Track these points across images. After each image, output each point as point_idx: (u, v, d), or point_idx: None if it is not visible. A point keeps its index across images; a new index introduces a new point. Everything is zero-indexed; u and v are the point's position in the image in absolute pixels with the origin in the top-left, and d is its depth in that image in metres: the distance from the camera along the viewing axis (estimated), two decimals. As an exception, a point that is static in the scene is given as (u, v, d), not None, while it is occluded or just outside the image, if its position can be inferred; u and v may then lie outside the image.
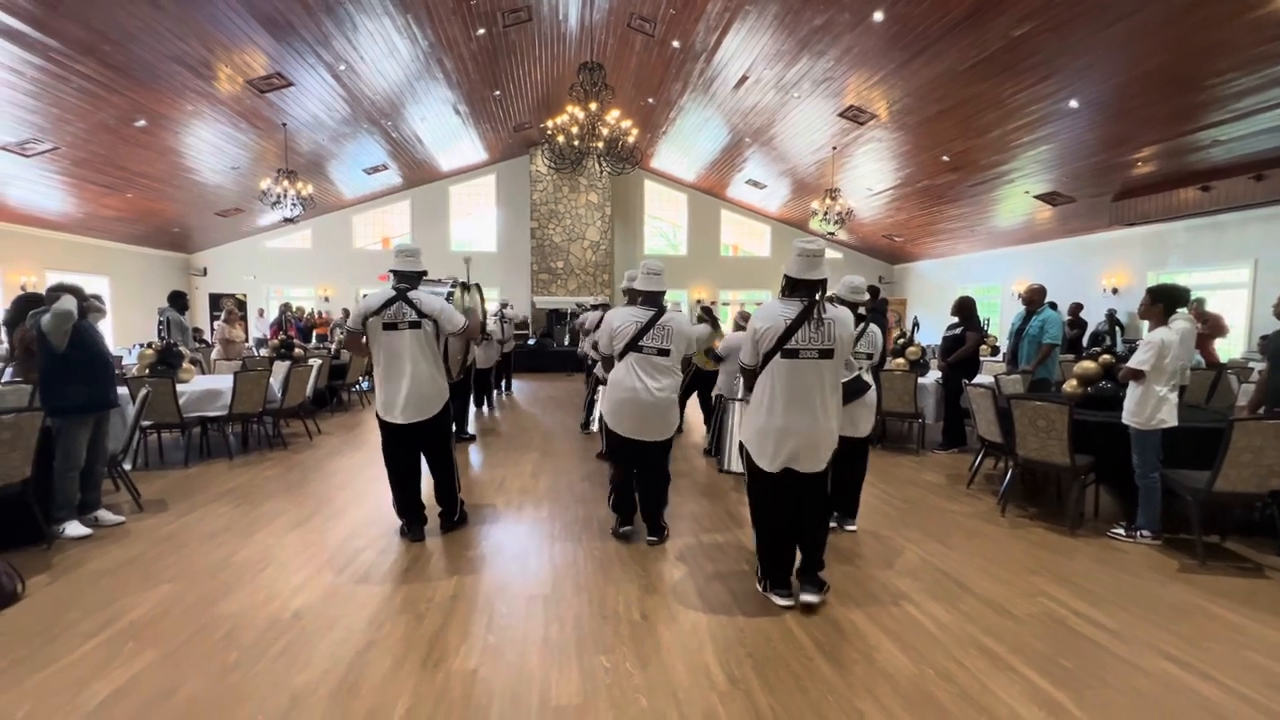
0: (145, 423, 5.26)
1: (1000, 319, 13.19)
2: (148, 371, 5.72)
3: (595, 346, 5.30)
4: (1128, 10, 5.71)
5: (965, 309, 6.28)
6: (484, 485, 5.05)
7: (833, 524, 3.86)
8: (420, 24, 8.17)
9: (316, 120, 10.11)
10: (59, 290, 3.74)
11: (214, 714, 2.11)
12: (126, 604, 2.89)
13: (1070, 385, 4.65)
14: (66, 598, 2.96)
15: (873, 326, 3.90)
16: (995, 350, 9.55)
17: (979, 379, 5.99)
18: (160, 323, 7.96)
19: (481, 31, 8.82)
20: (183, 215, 12.59)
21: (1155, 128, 7.53)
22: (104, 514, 3.93)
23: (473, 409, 7.98)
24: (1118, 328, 10.07)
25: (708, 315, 6.26)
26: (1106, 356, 4.54)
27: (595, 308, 8.75)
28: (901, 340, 7.22)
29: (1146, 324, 3.93)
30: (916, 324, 7.71)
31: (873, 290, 6.40)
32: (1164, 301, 3.82)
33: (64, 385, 3.67)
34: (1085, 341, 10.18)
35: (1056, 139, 8.36)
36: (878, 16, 6.92)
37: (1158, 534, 3.74)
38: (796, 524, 2.90)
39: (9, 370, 5.81)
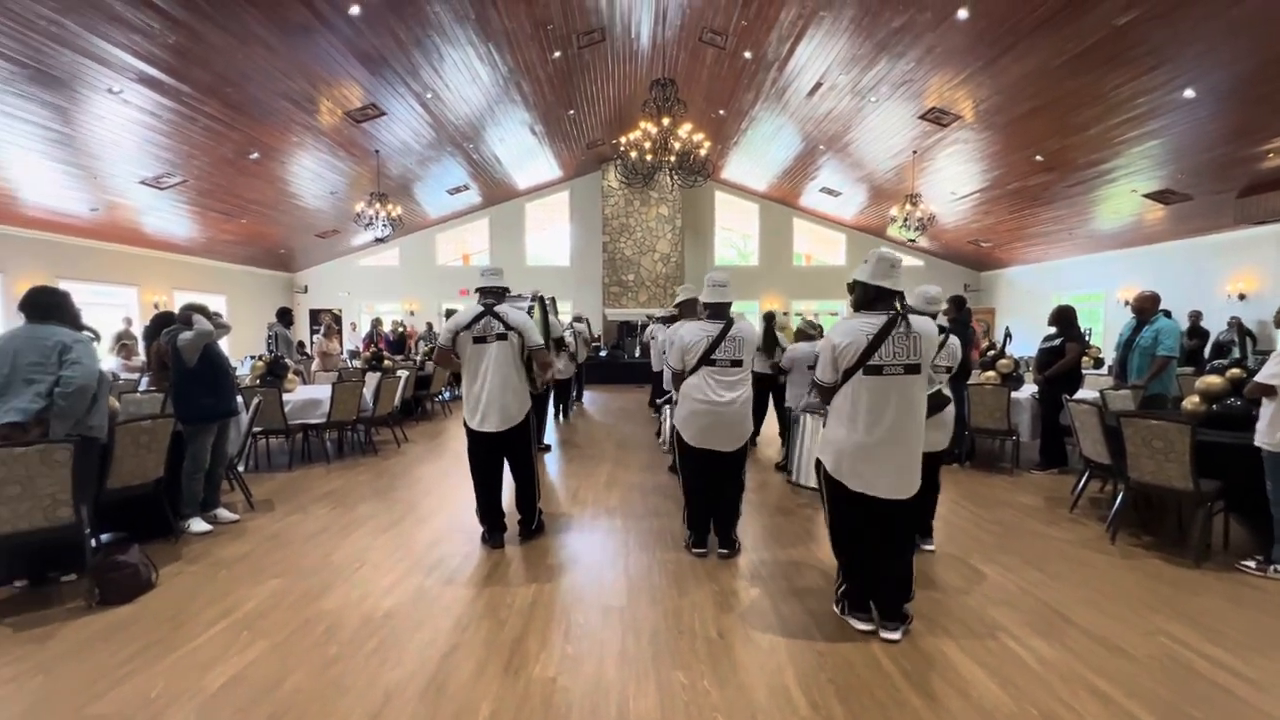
0: (256, 429, 5.74)
1: (1103, 329, 12.18)
2: (258, 382, 6.25)
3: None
4: (1253, -11, 5.19)
5: (1064, 319, 5.84)
6: (560, 495, 5.16)
7: None
8: (500, 51, 8.56)
9: (405, 146, 10.78)
10: (190, 310, 4.16)
11: (317, 705, 2.26)
12: (241, 596, 3.15)
13: (1191, 402, 4.22)
14: (191, 588, 3.27)
15: (952, 338, 3.70)
16: (1098, 362, 8.82)
17: (1081, 394, 5.55)
18: (269, 337, 8.68)
19: (558, 54, 9.13)
20: (288, 237, 13.72)
21: (1289, 115, 6.77)
22: (222, 512, 4.32)
23: (550, 418, 8.21)
24: (1248, 338, 9.04)
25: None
26: (1235, 370, 4.09)
27: (662, 320, 8.79)
28: (992, 352, 6.79)
29: (1283, 334, 3.52)
30: (1008, 335, 7.23)
31: (958, 300, 6.12)
32: (1306, 309, 3.41)
33: (194, 396, 4.08)
34: (1207, 353, 9.23)
35: (1169, 132, 7.67)
36: (962, 14, 6.62)
37: (1301, 571, 3.32)
38: (878, 551, 2.76)
39: (145, 380, 6.52)
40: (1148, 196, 9.39)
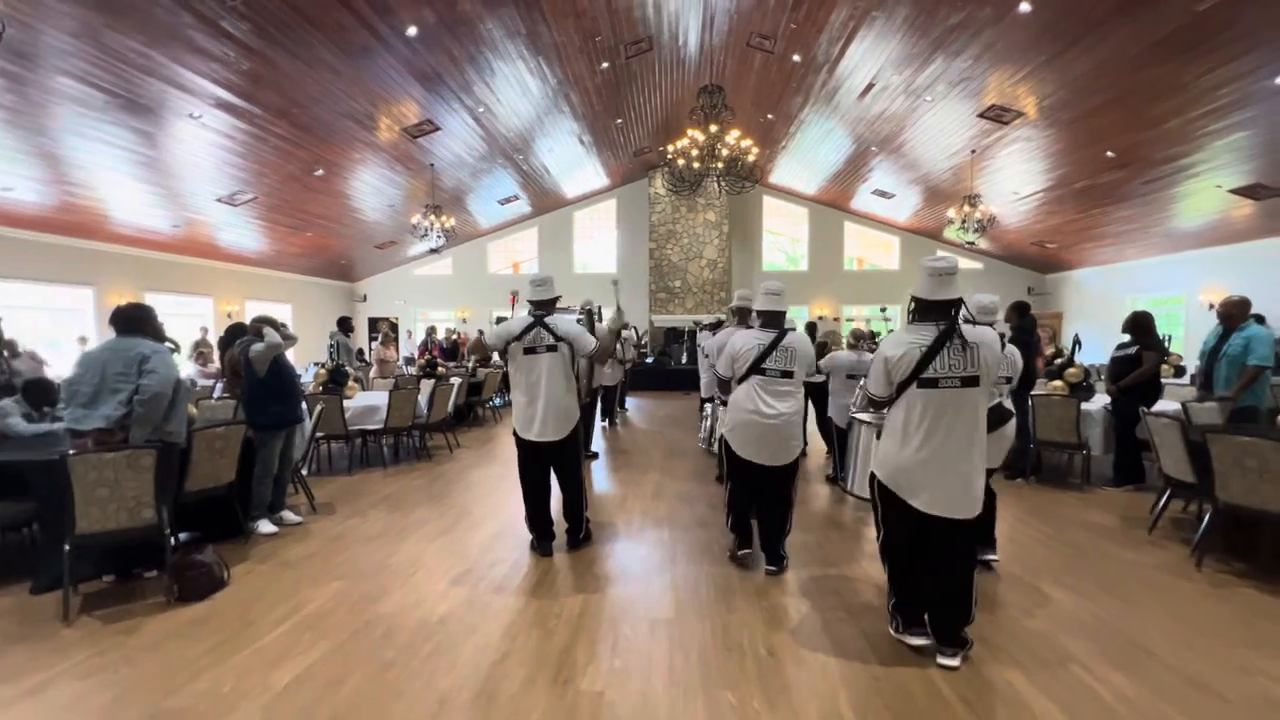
0: (319, 434, 6.00)
1: (1184, 334, 11.38)
2: (320, 389, 6.53)
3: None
4: (1358, -34, 4.76)
5: (1141, 325, 5.48)
6: (607, 504, 5.18)
7: None
8: (550, 64, 8.73)
9: (459, 159, 11.12)
10: (261, 322, 4.40)
11: (375, 707, 2.33)
12: (305, 597, 3.29)
13: (1288, 417, 3.88)
14: (259, 587, 3.43)
15: (1010, 346, 3.54)
16: (1179, 371, 8.24)
17: (1160, 405, 5.19)
18: (330, 345, 9.07)
19: (605, 65, 9.24)
20: (349, 249, 14.35)
21: (1401, 101, 6.18)
22: (287, 514, 4.53)
23: (598, 425, 8.26)
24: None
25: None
26: (1340, 383, 3.74)
27: (709, 327, 8.73)
28: (1060, 361, 6.44)
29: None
30: (1078, 342, 6.81)
31: (1021, 307, 5.84)
32: None
33: (264, 404, 4.30)
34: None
35: (1258, 123, 7.11)
36: (1024, 7, 6.34)
37: None
38: (934, 569, 2.65)
39: (220, 386, 6.92)
40: (1234, 192, 8.73)
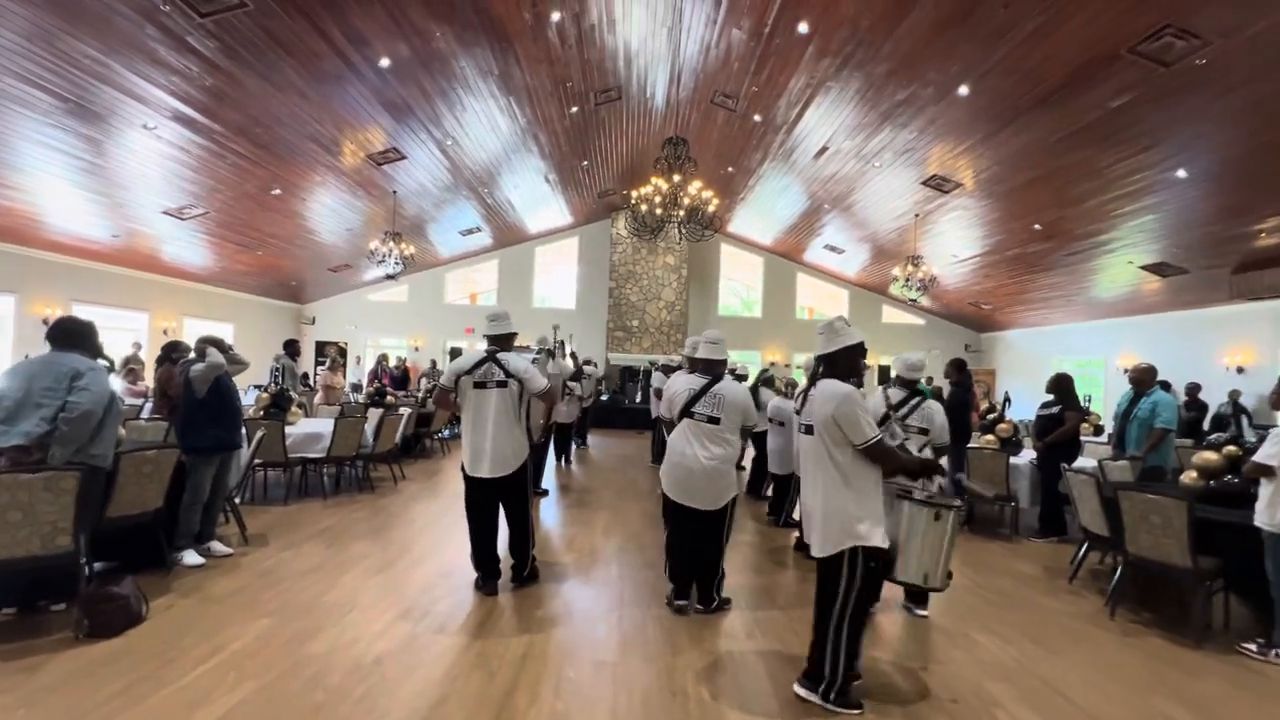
0: (256, 461, 5.75)
1: (1103, 395, 12.23)
2: (261, 414, 6.29)
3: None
4: (1237, 83, 5.46)
5: (1063, 387, 5.90)
6: (555, 542, 5.12)
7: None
8: (521, 104, 8.94)
9: (422, 188, 11.11)
10: (206, 342, 4.24)
11: (302, 753, 2.22)
12: (231, 634, 3.12)
13: (1190, 476, 4.24)
14: (182, 623, 3.23)
15: (930, 402, 4.00)
16: (1098, 430, 8.84)
17: (1080, 462, 5.56)
18: (275, 369, 8.74)
19: (575, 110, 9.52)
20: (300, 270, 13.97)
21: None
22: (216, 545, 4.29)
23: (551, 462, 8.18)
24: (1244, 415, 9.08)
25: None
26: (1232, 447, 4.13)
27: (663, 368, 8.89)
28: (992, 416, 6.83)
29: None
30: (1008, 399, 7.28)
31: (959, 364, 6.23)
32: (1300, 391, 3.48)
33: (200, 427, 4.12)
34: (1206, 425, 9.24)
35: (1163, 209, 7.92)
36: (963, 90, 6.94)
37: (1302, 656, 3.28)
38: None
39: (148, 406, 6.57)
40: (1144, 268, 9.60)
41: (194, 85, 6.55)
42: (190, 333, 11.22)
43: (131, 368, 8.60)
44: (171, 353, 5.46)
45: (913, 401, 4.02)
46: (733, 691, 2.80)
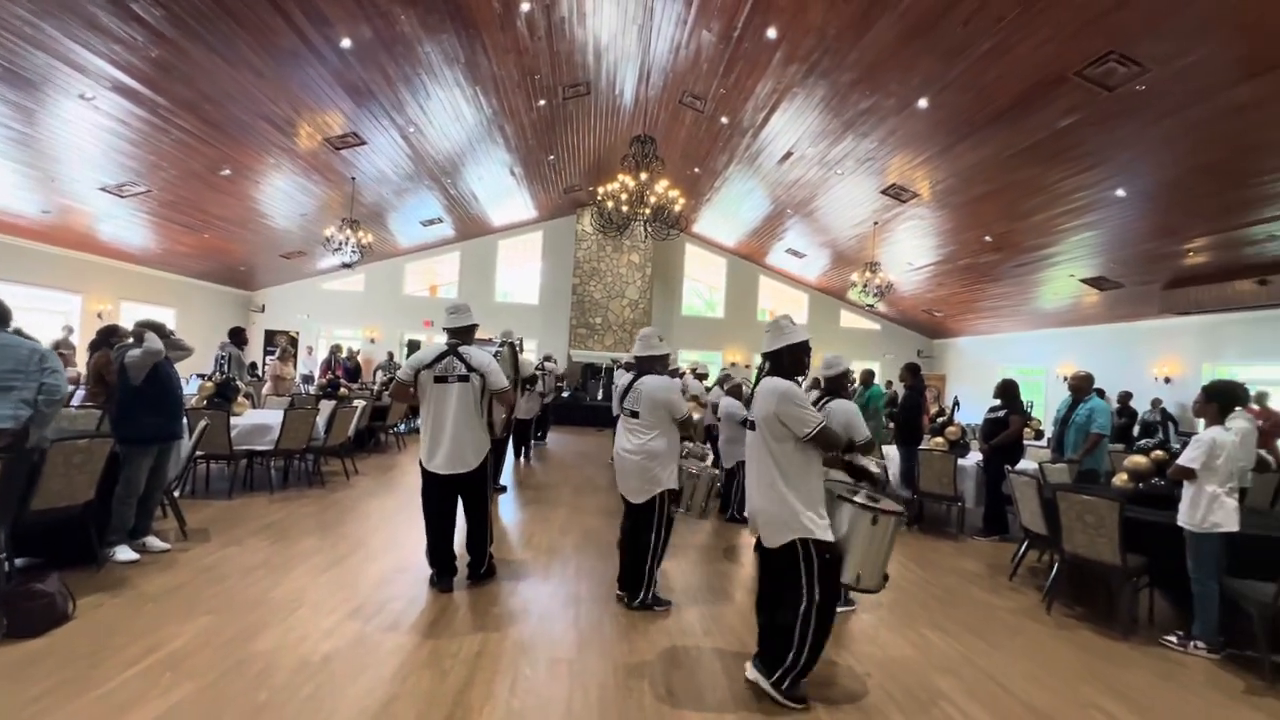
0: (198, 453, 5.49)
1: (1044, 401, 12.83)
2: (205, 404, 6.01)
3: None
4: (1172, 108, 5.80)
5: (1008, 392, 6.17)
6: (513, 538, 5.06)
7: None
8: (487, 94, 8.78)
9: (382, 175, 10.80)
10: (144, 326, 4.02)
11: (243, 756, 2.13)
12: (168, 633, 2.97)
13: (1121, 479, 4.48)
14: (112, 622, 3.06)
15: (839, 401, 3.71)
16: (1039, 434, 9.26)
17: (1022, 465, 5.82)
18: (220, 357, 8.37)
19: (542, 103, 9.42)
20: (250, 255, 13.39)
21: (1207, 220, 7.48)
22: (152, 540, 4.07)
23: (510, 459, 8.08)
24: (1170, 422, 9.67)
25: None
26: (1159, 452, 4.38)
27: (626, 365, 8.90)
28: (941, 419, 7.08)
29: (1203, 421, 3.82)
30: (957, 403, 7.57)
31: (913, 368, 6.43)
32: (1219, 400, 3.72)
33: (136, 416, 3.90)
34: (1136, 431, 9.80)
35: (1103, 225, 8.35)
36: (922, 103, 7.16)
37: (1215, 647, 3.51)
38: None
39: (80, 393, 6.19)
40: (1084, 281, 10.11)
41: (138, 55, 6.19)
42: (128, 317, 10.61)
43: (61, 353, 8.08)
44: (110, 337, 5.18)
45: (823, 400, 3.99)
46: (688, 686, 2.83)
